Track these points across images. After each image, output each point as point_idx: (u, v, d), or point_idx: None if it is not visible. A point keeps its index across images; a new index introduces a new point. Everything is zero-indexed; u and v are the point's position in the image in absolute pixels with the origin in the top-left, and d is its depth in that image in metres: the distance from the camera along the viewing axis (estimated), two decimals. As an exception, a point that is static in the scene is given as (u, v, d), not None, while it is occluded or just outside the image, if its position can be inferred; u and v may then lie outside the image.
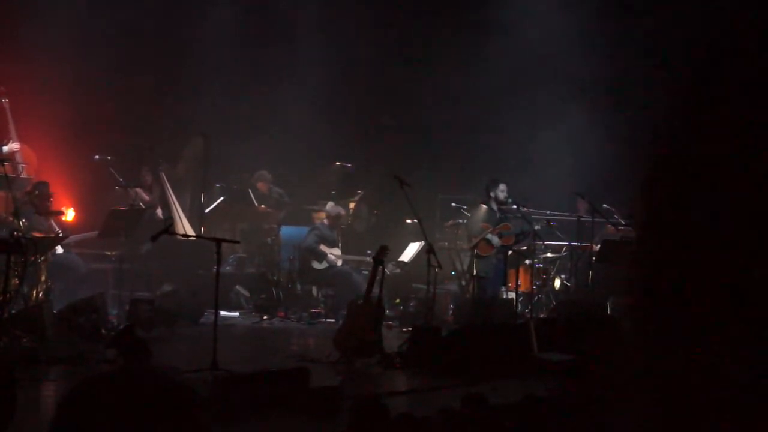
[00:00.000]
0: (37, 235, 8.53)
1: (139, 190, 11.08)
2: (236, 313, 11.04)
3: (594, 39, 11.72)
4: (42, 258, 8.20)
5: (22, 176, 10.04)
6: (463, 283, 10.96)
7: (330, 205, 11.62)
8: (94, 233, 9.82)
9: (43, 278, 8.36)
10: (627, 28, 11.66)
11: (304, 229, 11.64)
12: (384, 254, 7.97)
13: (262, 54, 12.74)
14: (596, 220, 10.68)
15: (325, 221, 11.51)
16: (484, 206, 10.52)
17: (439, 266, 8.24)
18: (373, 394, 5.72)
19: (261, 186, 12.24)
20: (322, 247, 11.19)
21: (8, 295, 7.09)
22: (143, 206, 10.56)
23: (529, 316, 9.89)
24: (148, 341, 7.18)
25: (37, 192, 9.37)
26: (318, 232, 11.29)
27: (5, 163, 8.39)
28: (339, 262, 11.26)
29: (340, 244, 11.51)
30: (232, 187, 12.07)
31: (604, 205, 10.95)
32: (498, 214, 10.47)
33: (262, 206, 12.06)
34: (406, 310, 10.65)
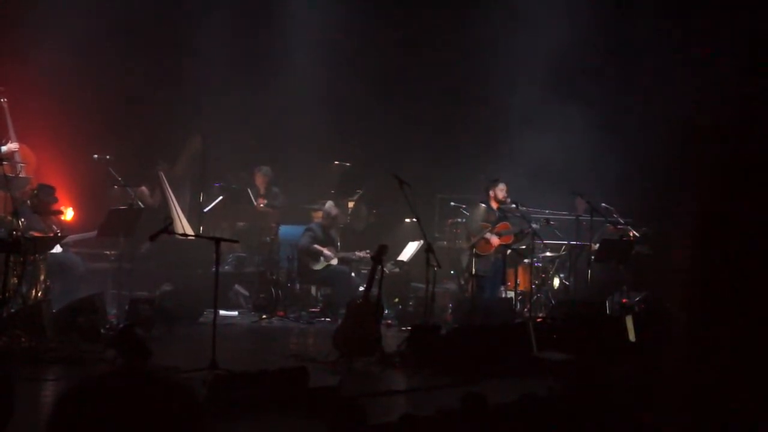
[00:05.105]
0: (36, 234, 8.51)
1: (143, 189, 11.08)
2: (235, 313, 11.03)
3: (601, 30, 11.66)
4: (41, 257, 8.18)
5: (21, 176, 10.02)
6: (462, 282, 10.96)
7: (329, 204, 11.55)
8: (93, 233, 9.81)
9: (42, 278, 8.33)
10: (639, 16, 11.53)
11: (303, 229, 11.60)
12: (383, 253, 7.96)
13: (261, 53, 12.72)
14: (595, 219, 10.67)
15: (321, 220, 11.45)
16: (483, 205, 10.54)
17: (438, 265, 8.24)
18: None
19: (258, 180, 12.15)
20: (317, 246, 11.13)
21: (7, 295, 7.08)
22: (142, 206, 10.55)
23: (528, 315, 9.89)
24: (148, 341, 7.19)
25: (36, 192, 9.33)
26: (311, 233, 11.22)
27: (4, 163, 8.37)
28: (334, 261, 11.20)
29: (339, 244, 11.47)
30: (230, 186, 12.05)
31: (603, 204, 10.94)
32: (497, 213, 10.47)
33: (261, 205, 12.04)
34: (405, 309, 10.64)
